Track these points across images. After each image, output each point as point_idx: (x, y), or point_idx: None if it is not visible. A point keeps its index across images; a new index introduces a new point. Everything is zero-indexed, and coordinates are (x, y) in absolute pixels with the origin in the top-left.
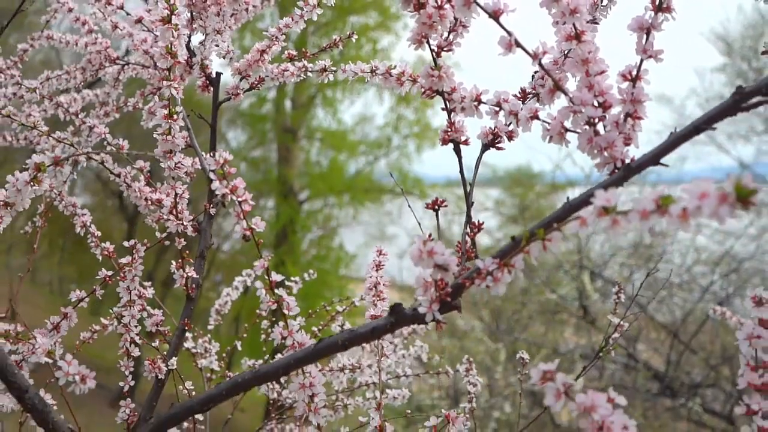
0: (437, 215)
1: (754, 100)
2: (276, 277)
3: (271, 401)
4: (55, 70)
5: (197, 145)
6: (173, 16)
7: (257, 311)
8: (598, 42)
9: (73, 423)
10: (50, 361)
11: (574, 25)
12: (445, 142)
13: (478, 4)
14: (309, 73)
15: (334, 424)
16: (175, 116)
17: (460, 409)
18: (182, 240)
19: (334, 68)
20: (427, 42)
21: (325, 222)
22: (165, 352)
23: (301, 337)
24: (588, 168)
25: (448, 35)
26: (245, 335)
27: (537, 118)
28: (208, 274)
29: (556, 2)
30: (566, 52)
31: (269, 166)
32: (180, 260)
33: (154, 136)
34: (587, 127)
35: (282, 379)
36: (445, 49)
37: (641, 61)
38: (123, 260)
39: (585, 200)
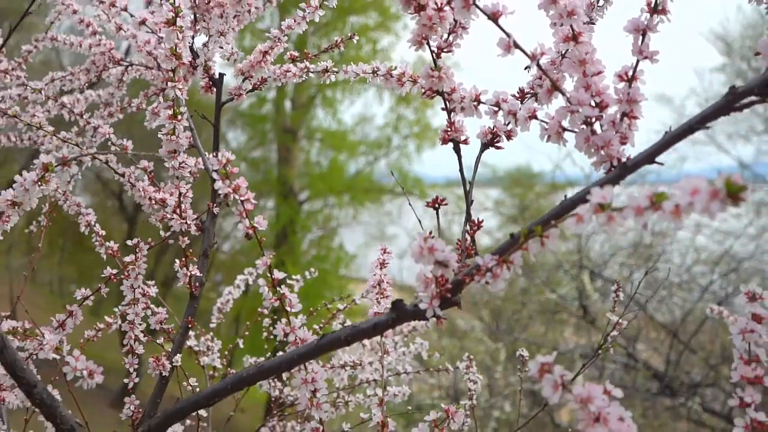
0: (437, 214)
1: (748, 99)
2: (278, 274)
3: (273, 399)
4: (56, 70)
5: (200, 145)
6: (178, 18)
7: (259, 309)
8: (594, 43)
9: (80, 418)
10: (58, 357)
11: (571, 26)
12: (445, 141)
13: (477, 7)
14: (311, 74)
15: (335, 421)
16: (179, 117)
17: (459, 405)
18: (185, 239)
19: (336, 69)
20: (427, 43)
21: (325, 222)
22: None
23: (304, 334)
24: (587, 168)
25: (448, 36)
26: (247, 333)
27: (535, 117)
28: (208, 274)
29: (554, 4)
30: (564, 52)
31: (269, 167)
32: (183, 259)
33: (159, 136)
34: (584, 126)
35: (284, 377)
36: (444, 50)
37: (637, 61)
38: (127, 259)
39: (582, 198)
